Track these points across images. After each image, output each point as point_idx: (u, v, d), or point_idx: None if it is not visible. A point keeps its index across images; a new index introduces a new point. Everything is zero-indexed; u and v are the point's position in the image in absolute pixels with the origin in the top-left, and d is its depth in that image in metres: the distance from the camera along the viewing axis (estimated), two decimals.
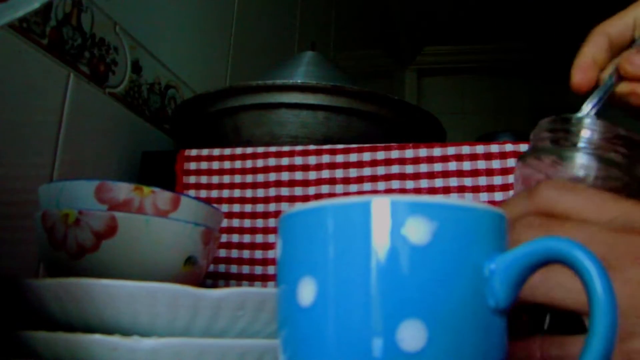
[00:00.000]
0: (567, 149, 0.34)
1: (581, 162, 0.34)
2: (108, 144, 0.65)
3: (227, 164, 0.61)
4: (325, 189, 0.58)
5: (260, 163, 0.60)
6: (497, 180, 0.54)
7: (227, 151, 0.61)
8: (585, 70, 0.40)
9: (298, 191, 0.59)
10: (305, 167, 0.59)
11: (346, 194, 0.57)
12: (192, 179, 0.62)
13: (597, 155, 0.33)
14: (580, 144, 0.34)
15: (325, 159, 0.59)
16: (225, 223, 0.60)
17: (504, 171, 0.54)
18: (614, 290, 0.21)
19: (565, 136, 0.34)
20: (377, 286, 0.22)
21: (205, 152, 0.62)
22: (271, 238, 0.59)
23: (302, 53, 0.75)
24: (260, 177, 0.60)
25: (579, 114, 0.36)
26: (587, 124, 0.34)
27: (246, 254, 0.59)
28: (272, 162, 0.60)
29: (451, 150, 0.56)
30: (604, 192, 0.31)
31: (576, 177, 0.33)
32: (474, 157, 0.55)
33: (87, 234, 0.40)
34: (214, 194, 0.61)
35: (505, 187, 0.54)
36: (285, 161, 0.59)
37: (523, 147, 0.55)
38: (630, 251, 0.27)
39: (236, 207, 0.60)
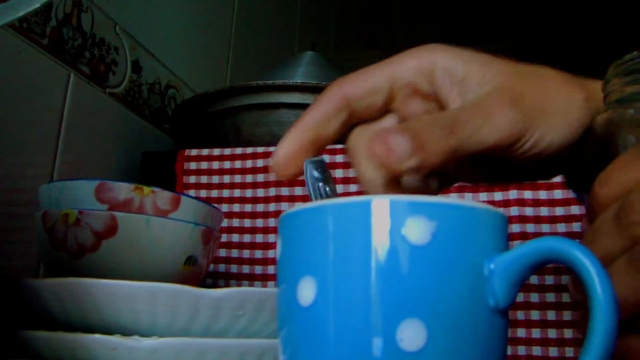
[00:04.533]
0: None
1: None
2: (108, 144, 0.65)
3: (227, 164, 0.61)
4: None
5: (260, 163, 0.60)
6: None
7: (227, 151, 0.61)
8: (294, 151, 0.30)
9: (298, 191, 0.59)
10: None
11: (346, 194, 0.57)
12: (192, 179, 0.62)
13: None
14: None
15: (325, 159, 0.59)
16: (225, 223, 0.60)
17: None
18: (614, 290, 0.21)
19: None
20: (377, 286, 0.22)
21: (205, 152, 0.62)
22: (271, 238, 0.59)
23: (302, 53, 0.75)
24: (260, 177, 0.60)
25: None
26: None
27: (246, 253, 0.59)
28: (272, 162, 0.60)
29: None
30: None
31: None
32: None
33: (87, 234, 0.40)
34: (214, 193, 0.61)
35: (504, 187, 0.54)
36: None
37: None
38: None
39: (236, 207, 0.60)
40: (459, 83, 0.29)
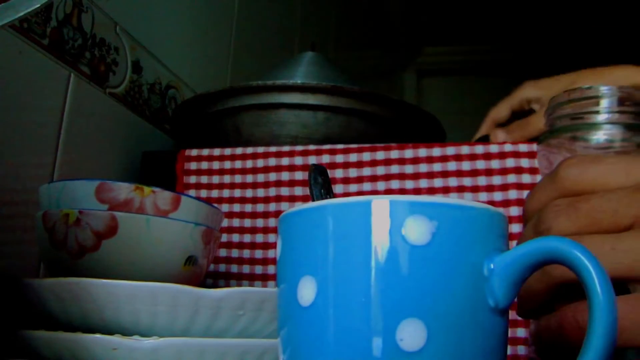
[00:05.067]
0: (589, 121, 0.33)
1: (604, 131, 0.33)
2: (108, 144, 0.65)
3: (227, 164, 0.61)
4: None
5: (260, 163, 0.60)
6: (497, 180, 0.54)
7: (228, 151, 0.61)
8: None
9: (298, 191, 0.59)
10: (305, 167, 0.59)
11: (346, 194, 0.58)
12: (193, 179, 0.62)
13: (620, 122, 0.33)
14: (602, 113, 0.33)
15: (325, 159, 0.59)
16: (225, 223, 0.60)
17: (503, 171, 0.54)
18: (613, 290, 0.21)
19: (584, 109, 0.33)
20: (377, 286, 0.22)
21: (205, 152, 0.62)
22: (271, 238, 0.59)
23: (302, 53, 0.75)
24: (261, 177, 0.60)
25: (594, 85, 0.35)
26: (605, 92, 0.33)
27: (246, 253, 0.59)
28: (272, 162, 0.60)
29: (450, 151, 0.56)
30: (628, 155, 0.30)
31: (601, 148, 0.33)
32: (473, 157, 0.55)
33: (88, 234, 0.40)
34: (215, 193, 0.61)
35: (504, 187, 0.54)
36: (285, 161, 0.59)
37: (522, 147, 0.55)
38: None
39: (236, 207, 0.60)
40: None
